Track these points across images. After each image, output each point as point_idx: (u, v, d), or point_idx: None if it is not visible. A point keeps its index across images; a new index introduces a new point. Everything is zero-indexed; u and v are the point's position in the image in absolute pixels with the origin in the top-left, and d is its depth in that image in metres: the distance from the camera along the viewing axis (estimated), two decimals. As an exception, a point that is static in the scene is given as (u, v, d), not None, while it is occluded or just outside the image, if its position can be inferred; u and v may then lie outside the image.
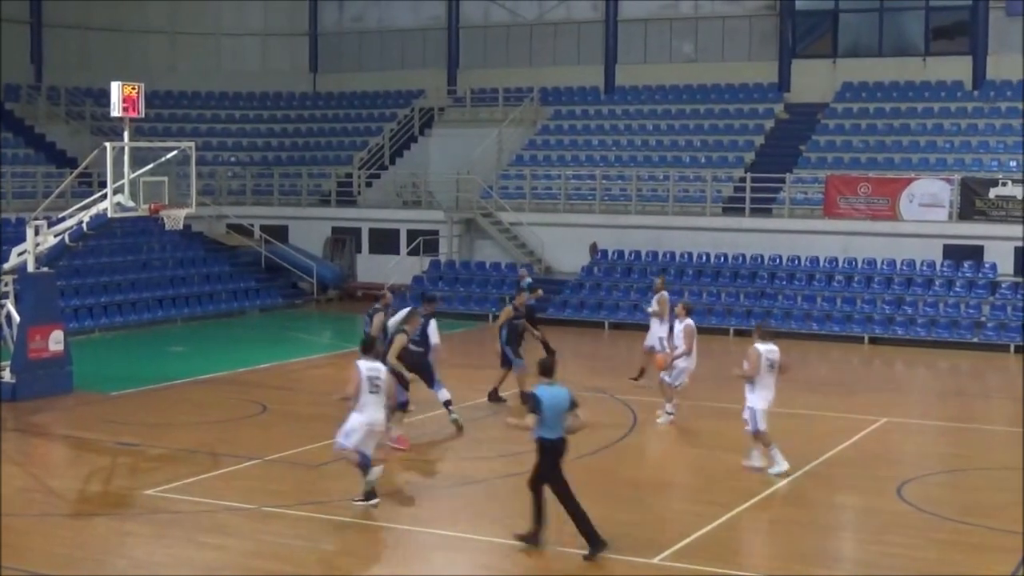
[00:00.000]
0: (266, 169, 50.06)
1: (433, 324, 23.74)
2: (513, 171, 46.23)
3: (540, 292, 31.96)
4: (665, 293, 28.45)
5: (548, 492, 16.49)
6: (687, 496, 19.80)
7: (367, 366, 18.37)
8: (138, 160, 27.07)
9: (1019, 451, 22.77)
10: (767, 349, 20.83)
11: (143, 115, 27.14)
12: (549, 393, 16.22)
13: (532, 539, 16.60)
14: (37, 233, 27.21)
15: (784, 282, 38.89)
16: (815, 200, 40.70)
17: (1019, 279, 36.82)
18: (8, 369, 26.76)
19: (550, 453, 16.33)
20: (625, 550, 16.66)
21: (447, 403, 23.88)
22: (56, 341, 27.42)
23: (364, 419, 18.28)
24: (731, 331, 37.50)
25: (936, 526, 18.03)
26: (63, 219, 27.63)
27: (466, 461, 21.70)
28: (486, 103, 50.28)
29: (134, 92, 26.29)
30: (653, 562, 16.17)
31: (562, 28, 50.89)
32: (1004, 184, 37.86)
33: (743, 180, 41.83)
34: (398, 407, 22.02)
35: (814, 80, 46.44)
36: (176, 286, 40.38)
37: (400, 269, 43.09)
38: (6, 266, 28.01)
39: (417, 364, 23.13)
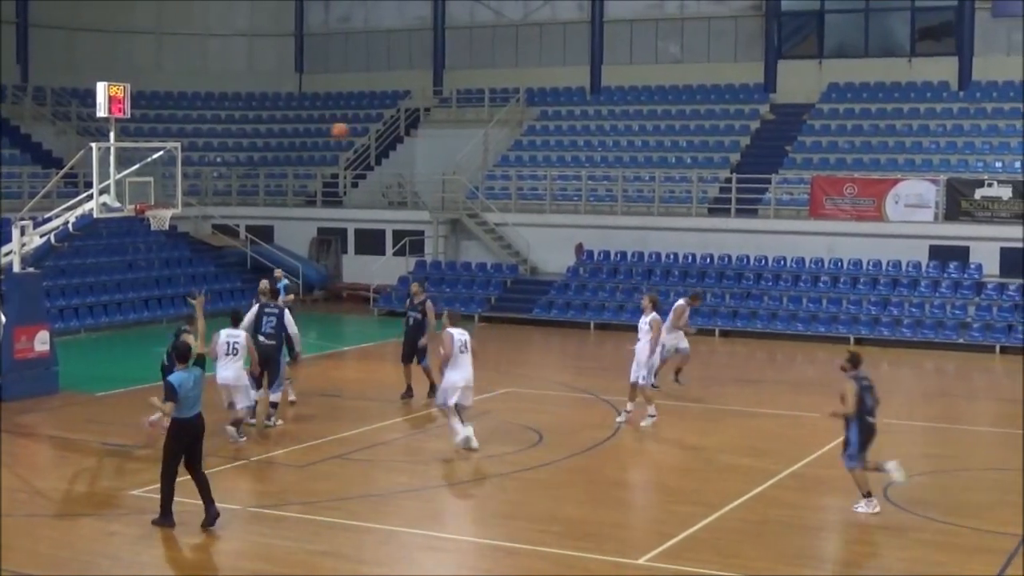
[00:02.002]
0: (252, 169, 50.02)
1: (289, 315, 24.54)
2: (499, 171, 46.24)
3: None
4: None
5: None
6: (672, 497, 19.82)
7: None
8: (124, 160, 27.05)
9: (1004, 451, 22.88)
10: (459, 332, 22.17)
11: (129, 115, 27.11)
12: (182, 378, 17.18)
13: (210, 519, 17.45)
14: (23, 233, 27.15)
15: (770, 283, 38.92)
16: (801, 201, 40.75)
17: (1004, 280, 36.90)
18: (-6, 369, 26.73)
19: (187, 432, 17.26)
20: (610, 551, 16.68)
21: (274, 404, 24.25)
22: (42, 341, 27.36)
23: None
24: (716, 332, 37.50)
25: (921, 526, 18.07)
26: (49, 219, 27.60)
27: (452, 462, 21.69)
28: (472, 104, 50.27)
29: (120, 92, 26.26)
30: (639, 563, 16.18)
31: (548, 28, 50.91)
32: (990, 185, 37.92)
33: (729, 181, 41.87)
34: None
35: (800, 81, 46.49)
36: (162, 286, 40.33)
37: (386, 270, 43.08)
38: (-8, 266, 27.99)
39: (264, 357, 23.93)
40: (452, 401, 21.96)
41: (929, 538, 17.55)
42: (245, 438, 22.72)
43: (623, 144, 46.27)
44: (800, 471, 21.22)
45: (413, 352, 26.71)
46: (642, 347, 24.47)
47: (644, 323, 24.57)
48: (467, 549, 17.18)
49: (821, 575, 16.67)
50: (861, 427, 18.72)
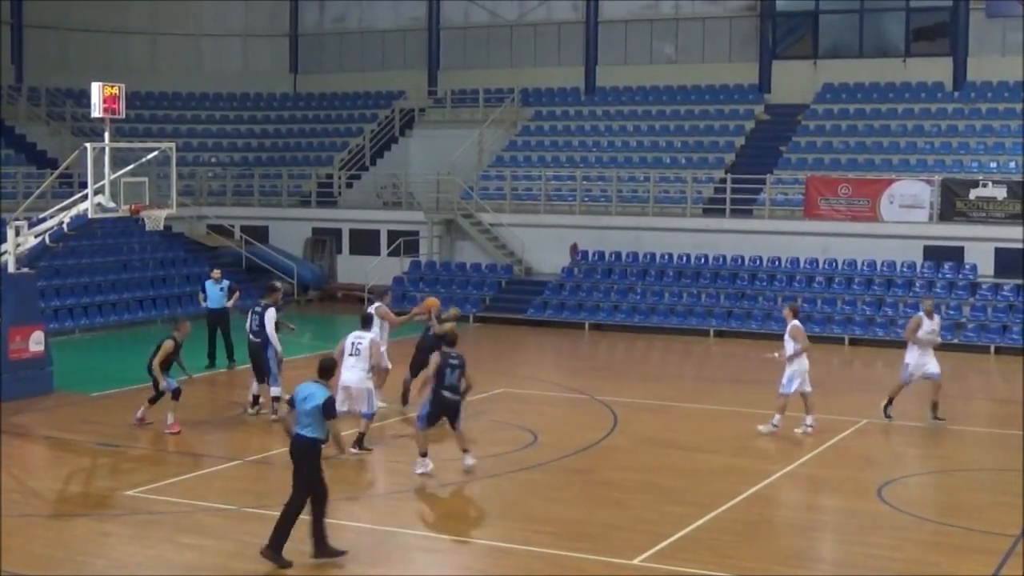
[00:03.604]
0: (246, 170, 50.00)
1: (270, 314, 24.46)
2: (493, 172, 46.22)
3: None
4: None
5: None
6: (667, 497, 19.80)
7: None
8: (119, 161, 27.05)
9: (1000, 452, 22.91)
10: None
11: (124, 116, 27.09)
12: (300, 387, 16.30)
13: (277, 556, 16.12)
14: (18, 234, 27.12)
15: (764, 283, 38.91)
16: (795, 201, 40.76)
17: (999, 280, 36.91)
18: (-12, 370, 26.69)
19: (293, 450, 16.34)
20: (605, 551, 16.67)
21: (275, 399, 24.27)
22: (36, 342, 27.32)
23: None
24: (711, 332, 37.51)
25: (917, 527, 18.08)
26: (44, 220, 27.56)
27: (446, 463, 21.67)
28: (466, 104, 50.26)
29: (115, 93, 26.24)
30: (633, 563, 16.17)
31: (542, 29, 50.92)
32: (985, 185, 37.93)
33: (723, 181, 41.86)
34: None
35: (794, 81, 46.50)
36: (156, 287, 40.29)
37: (380, 270, 43.00)
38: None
39: (253, 355, 24.43)
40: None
41: (924, 538, 17.56)
42: (372, 449, 22.14)
43: (618, 144, 46.28)
44: (795, 471, 21.22)
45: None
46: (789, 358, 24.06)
47: (786, 334, 24.15)
48: (462, 549, 17.18)
49: (816, 575, 16.68)
50: (434, 398, 20.34)
